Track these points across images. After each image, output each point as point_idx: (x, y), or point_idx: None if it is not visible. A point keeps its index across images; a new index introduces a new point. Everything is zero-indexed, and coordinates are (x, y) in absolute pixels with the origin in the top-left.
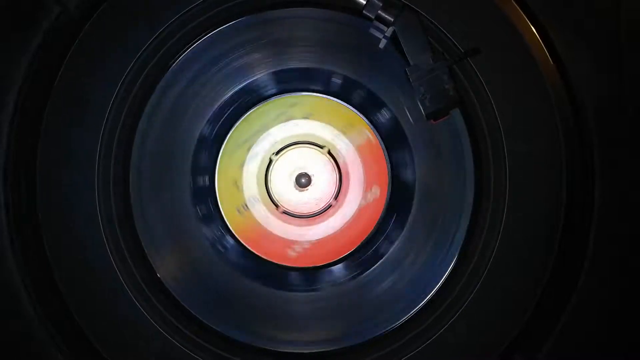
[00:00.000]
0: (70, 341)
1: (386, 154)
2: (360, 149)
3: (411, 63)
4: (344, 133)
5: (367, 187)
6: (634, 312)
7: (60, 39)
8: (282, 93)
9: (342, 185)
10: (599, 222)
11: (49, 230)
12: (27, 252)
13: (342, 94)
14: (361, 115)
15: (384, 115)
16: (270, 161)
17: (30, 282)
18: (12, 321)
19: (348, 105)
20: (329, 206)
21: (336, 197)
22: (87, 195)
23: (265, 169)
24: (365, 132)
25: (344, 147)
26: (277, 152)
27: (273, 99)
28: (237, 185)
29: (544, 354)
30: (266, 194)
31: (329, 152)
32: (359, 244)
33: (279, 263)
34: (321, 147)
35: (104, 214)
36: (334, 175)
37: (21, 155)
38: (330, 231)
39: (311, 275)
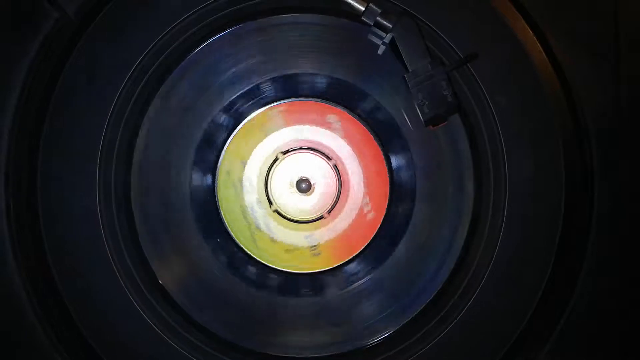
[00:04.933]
0: (70, 344)
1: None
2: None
3: (410, 69)
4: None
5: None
6: (633, 313)
7: (59, 44)
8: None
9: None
10: (598, 225)
11: (49, 234)
12: (28, 256)
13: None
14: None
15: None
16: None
17: (30, 285)
18: (12, 324)
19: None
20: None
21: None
22: (87, 199)
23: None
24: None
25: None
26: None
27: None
28: None
29: (545, 356)
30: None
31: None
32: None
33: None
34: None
35: (104, 217)
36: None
37: (22, 160)
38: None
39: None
